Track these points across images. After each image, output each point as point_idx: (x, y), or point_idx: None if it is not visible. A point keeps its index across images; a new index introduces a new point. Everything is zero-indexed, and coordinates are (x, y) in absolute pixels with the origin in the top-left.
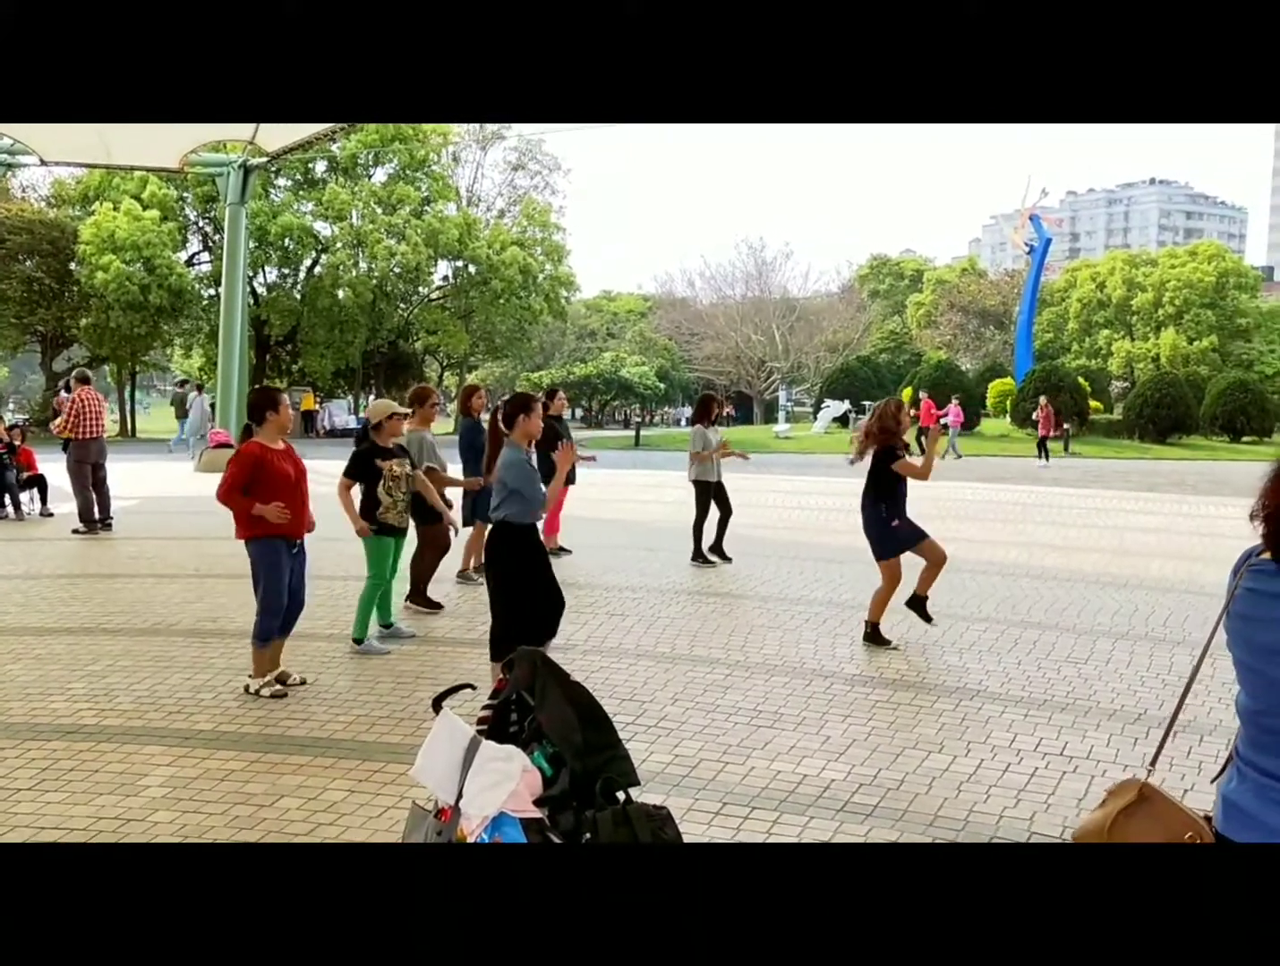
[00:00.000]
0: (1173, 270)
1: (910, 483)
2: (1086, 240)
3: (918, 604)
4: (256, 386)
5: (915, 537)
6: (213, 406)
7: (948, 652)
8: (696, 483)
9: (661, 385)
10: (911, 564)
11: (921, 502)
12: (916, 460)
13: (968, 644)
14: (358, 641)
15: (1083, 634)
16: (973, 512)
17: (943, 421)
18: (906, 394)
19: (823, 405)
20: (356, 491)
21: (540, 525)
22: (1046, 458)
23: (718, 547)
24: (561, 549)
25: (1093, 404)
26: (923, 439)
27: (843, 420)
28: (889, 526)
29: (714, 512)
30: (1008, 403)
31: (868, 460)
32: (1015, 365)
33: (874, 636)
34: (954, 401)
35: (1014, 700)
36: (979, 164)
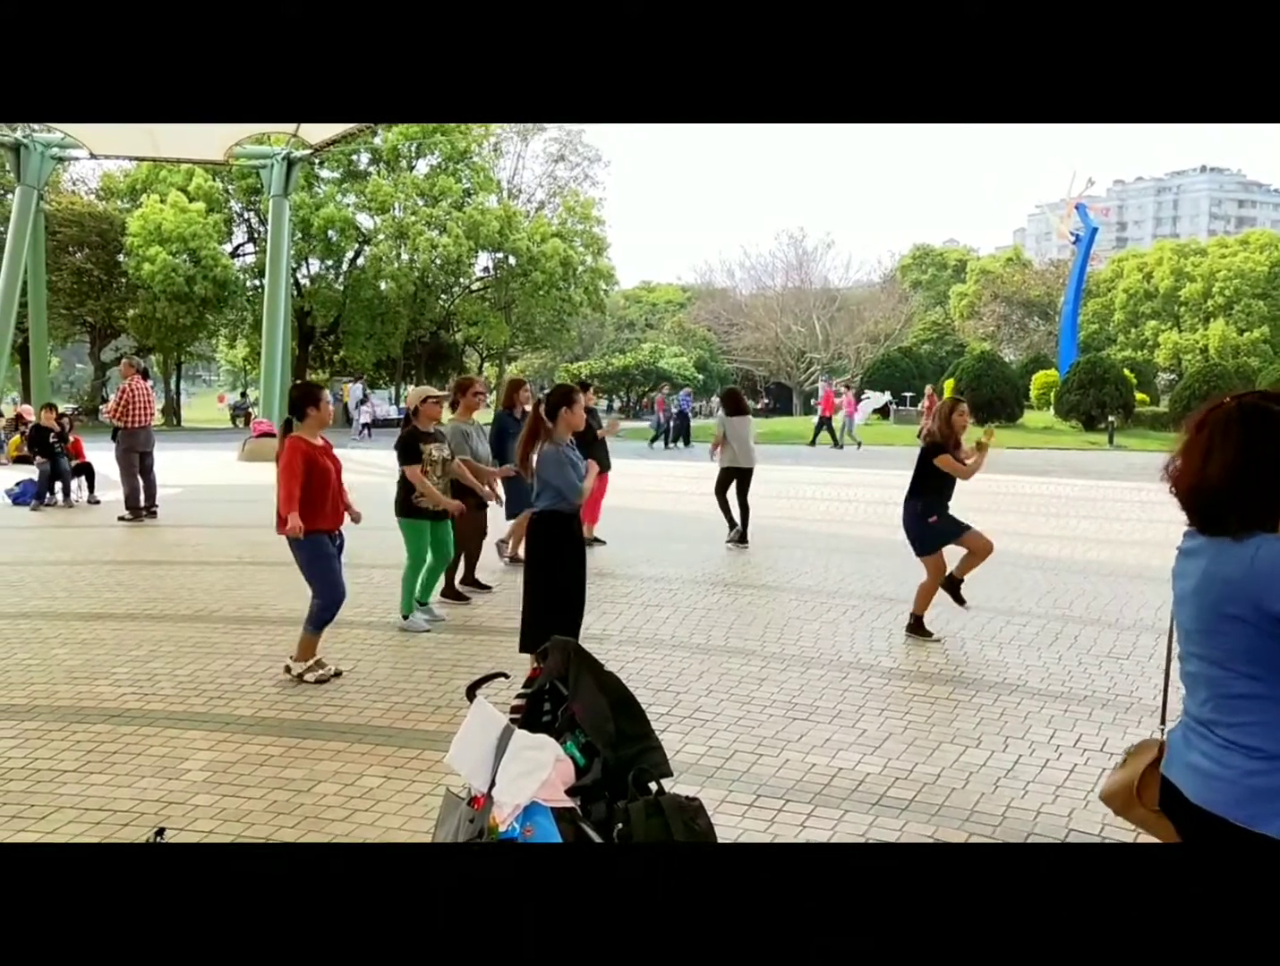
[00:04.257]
0: (1223, 260)
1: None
2: (1134, 229)
3: (952, 584)
4: (298, 382)
5: (955, 532)
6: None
7: (987, 646)
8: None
9: (700, 376)
10: (953, 554)
11: (964, 495)
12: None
13: (1007, 638)
14: (405, 617)
15: (1125, 629)
16: (1015, 505)
17: (839, 413)
18: (948, 386)
19: (863, 396)
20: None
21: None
22: None
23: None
24: (597, 540)
25: (1139, 396)
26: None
27: (883, 411)
28: (925, 523)
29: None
30: (1051, 395)
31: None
32: (1060, 356)
33: (917, 628)
34: (849, 391)
35: (1054, 695)
36: (1023, 153)
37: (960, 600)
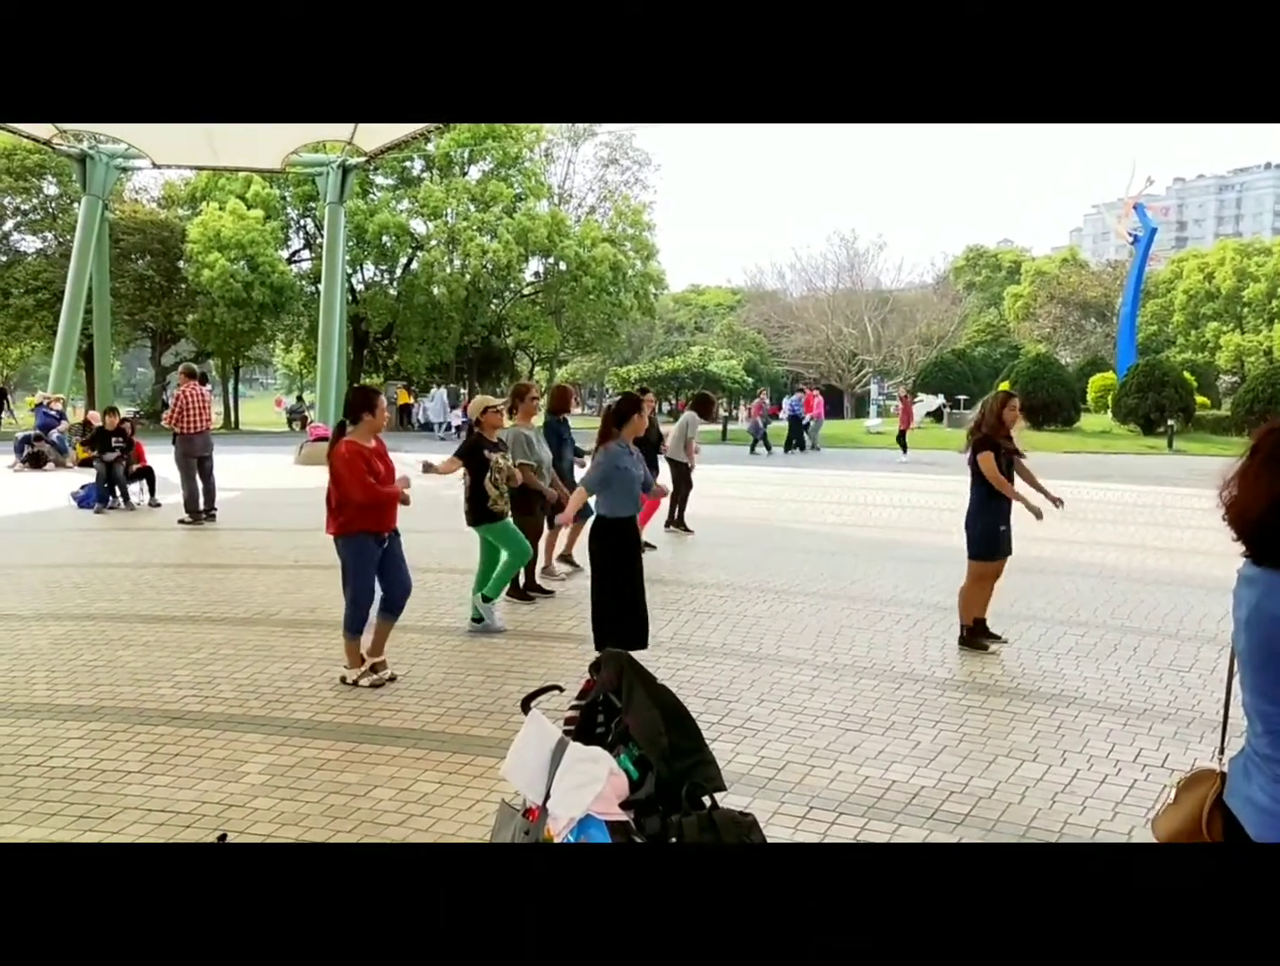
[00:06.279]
0: None
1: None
2: (1195, 229)
3: (975, 632)
4: (355, 386)
5: (1006, 552)
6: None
7: (1044, 657)
8: (674, 461)
9: (750, 379)
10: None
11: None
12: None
13: (1065, 649)
14: (486, 598)
15: (1186, 640)
16: (1072, 512)
17: (809, 415)
18: (1003, 387)
19: (916, 399)
20: (448, 478)
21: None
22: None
23: (680, 521)
24: (647, 544)
25: (1199, 399)
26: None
27: (936, 415)
28: (996, 528)
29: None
30: (1109, 398)
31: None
32: (1117, 359)
33: (970, 639)
34: (816, 392)
35: (1112, 708)
36: (1080, 152)
37: (992, 637)
